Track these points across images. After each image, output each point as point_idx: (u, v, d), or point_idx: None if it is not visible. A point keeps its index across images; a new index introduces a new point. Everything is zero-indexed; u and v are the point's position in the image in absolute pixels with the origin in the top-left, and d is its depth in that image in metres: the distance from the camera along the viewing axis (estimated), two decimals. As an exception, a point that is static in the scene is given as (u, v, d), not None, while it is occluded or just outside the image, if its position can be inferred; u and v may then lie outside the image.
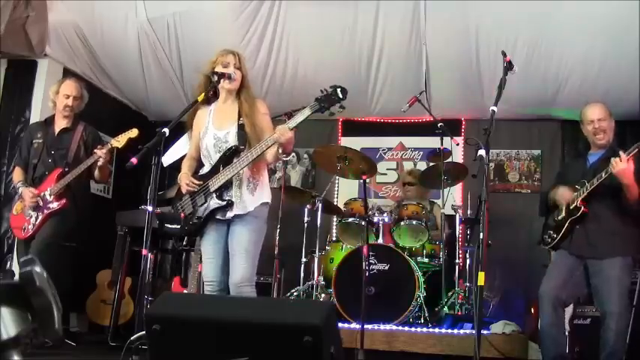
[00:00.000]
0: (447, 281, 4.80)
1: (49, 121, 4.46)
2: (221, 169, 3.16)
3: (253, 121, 3.17)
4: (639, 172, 3.22)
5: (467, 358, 3.90)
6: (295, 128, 3.03)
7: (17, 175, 4.40)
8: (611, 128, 3.56)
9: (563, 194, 3.55)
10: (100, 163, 4.13)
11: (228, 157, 3.17)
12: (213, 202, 3.17)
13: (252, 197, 3.18)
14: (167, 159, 6.14)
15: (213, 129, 3.25)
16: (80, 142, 4.37)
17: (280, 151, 3.05)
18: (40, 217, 4.18)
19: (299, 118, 3.00)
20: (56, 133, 4.38)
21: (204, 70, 3.29)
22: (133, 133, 4.12)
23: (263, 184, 3.26)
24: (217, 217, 3.19)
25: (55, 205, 4.17)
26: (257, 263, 3.18)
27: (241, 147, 3.15)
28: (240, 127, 3.19)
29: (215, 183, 3.16)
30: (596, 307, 4.01)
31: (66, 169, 4.23)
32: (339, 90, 2.97)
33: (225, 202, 3.14)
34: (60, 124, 4.41)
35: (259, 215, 3.20)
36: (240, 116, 3.21)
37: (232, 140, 3.19)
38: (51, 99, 4.43)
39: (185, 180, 3.25)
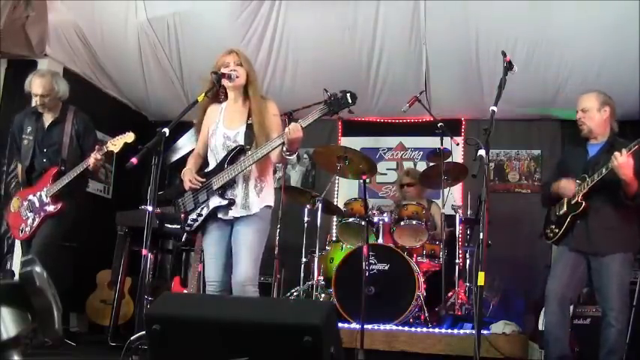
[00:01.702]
0: (447, 281, 4.80)
1: (38, 113, 4.29)
2: (226, 167, 3.16)
3: (262, 120, 3.16)
4: (639, 169, 3.22)
5: (467, 358, 3.90)
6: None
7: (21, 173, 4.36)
8: (599, 119, 3.52)
9: (566, 187, 3.53)
10: (91, 166, 4.07)
11: (234, 156, 3.17)
12: (216, 201, 3.17)
13: (258, 199, 3.18)
14: (173, 155, 6.14)
15: (223, 127, 3.25)
16: (72, 133, 4.25)
17: (285, 149, 3.02)
18: (37, 220, 4.14)
19: (310, 119, 3.00)
20: (46, 126, 4.27)
21: (207, 75, 3.29)
22: (129, 137, 4.03)
23: (269, 186, 3.27)
24: (220, 215, 3.19)
25: (51, 208, 4.12)
26: (260, 264, 3.18)
27: (247, 147, 3.15)
28: (249, 127, 3.19)
29: (218, 181, 3.16)
30: (595, 307, 4.04)
31: (62, 168, 4.17)
32: (348, 95, 2.97)
33: (227, 201, 3.14)
34: (48, 116, 4.28)
35: (263, 216, 3.20)
36: (249, 116, 3.22)
37: (241, 140, 3.19)
38: None
39: (188, 176, 3.24)
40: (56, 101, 4.26)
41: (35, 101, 4.20)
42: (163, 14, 5.20)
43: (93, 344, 4.81)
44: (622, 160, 3.14)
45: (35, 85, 4.17)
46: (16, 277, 1.13)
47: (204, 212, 3.21)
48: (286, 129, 2.96)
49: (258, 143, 3.13)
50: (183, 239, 4.94)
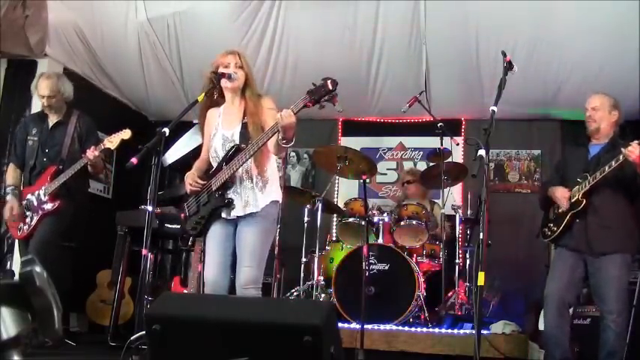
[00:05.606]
0: (447, 281, 4.80)
1: (43, 115, 4.38)
2: (224, 167, 3.15)
3: (257, 119, 3.14)
4: None
5: (467, 358, 3.90)
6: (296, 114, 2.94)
7: (10, 175, 4.35)
8: (606, 120, 3.58)
9: (562, 196, 3.54)
10: (90, 163, 4.09)
11: (231, 155, 3.16)
12: (216, 201, 3.16)
13: (262, 195, 3.15)
14: (169, 158, 6.13)
15: (222, 129, 3.25)
16: (74, 135, 4.30)
17: (280, 137, 2.94)
18: (35, 218, 4.16)
19: (299, 105, 2.93)
20: (50, 127, 4.32)
21: (206, 73, 3.28)
22: (126, 134, 4.06)
23: (272, 181, 3.23)
24: (223, 215, 3.18)
25: (49, 207, 4.13)
26: (264, 265, 3.15)
27: (243, 145, 3.13)
28: (244, 126, 3.17)
29: (217, 181, 3.15)
30: (595, 307, 4.03)
31: (60, 167, 4.19)
32: (329, 82, 2.92)
33: (226, 202, 3.14)
34: (53, 117, 4.34)
35: (268, 215, 3.16)
36: (245, 116, 3.21)
37: (237, 139, 3.18)
38: None
39: (189, 179, 3.24)
40: (62, 103, 4.34)
41: (42, 103, 4.28)
42: (163, 14, 5.20)
43: (93, 344, 4.81)
44: (637, 151, 3.13)
45: (41, 87, 4.25)
46: (16, 277, 1.13)
47: (206, 214, 3.20)
48: (278, 115, 2.89)
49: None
50: (189, 243, 4.95)
